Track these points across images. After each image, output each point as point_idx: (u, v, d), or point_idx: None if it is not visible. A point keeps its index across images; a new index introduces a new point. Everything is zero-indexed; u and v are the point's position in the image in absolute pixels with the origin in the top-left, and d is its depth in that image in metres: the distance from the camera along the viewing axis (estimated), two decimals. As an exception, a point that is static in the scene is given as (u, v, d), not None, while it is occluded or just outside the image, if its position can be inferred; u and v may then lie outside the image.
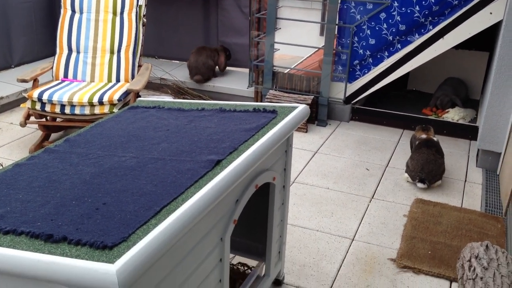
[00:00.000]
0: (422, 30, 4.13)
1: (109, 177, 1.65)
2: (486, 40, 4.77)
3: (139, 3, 4.12)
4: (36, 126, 4.03)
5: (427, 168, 3.41)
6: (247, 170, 1.74)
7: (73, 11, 4.12)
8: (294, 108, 2.23)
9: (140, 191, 1.55)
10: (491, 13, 3.87)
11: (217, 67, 5.24)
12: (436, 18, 4.05)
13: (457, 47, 4.47)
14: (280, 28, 4.66)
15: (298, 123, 2.17)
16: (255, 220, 2.36)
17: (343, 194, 3.40)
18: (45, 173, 1.68)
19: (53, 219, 1.40)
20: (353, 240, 2.91)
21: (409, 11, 4.06)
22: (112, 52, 4.07)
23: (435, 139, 3.63)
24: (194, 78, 5.07)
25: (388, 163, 3.85)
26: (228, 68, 5.37)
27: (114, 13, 4.11)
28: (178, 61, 5.74)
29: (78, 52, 4.08)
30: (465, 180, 3.62)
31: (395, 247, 2.85)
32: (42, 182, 1.62)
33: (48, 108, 3.65)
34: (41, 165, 1.74)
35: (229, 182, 1.64)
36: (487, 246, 2.39)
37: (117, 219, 1.39)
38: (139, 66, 4.14)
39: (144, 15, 4.17)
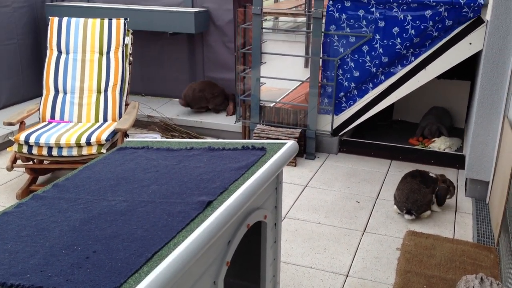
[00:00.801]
0: (405, 62, 4.19)
1: (98, 223, 1.62)
2: (467, 69, 4.86)
3: (125, 42, 4.15)
4: (23, 169, 3.99)
5: (412, 198, 3.41)
6: (238, 210, 1.72)
7: (59, 52, 4.13)
8: (283, 144, 2.23)
9: (131, 237, 1.53)
10: (470, 43, 3.95)
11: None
12: (417, 49, 4.12)
13: (439, 77, 4.55)
14: (265, 62, 4.71)
15: (288, 159, 2.16)
16: (248, 260, 2.32)
17: (334, 228, 3.38)
18: (33, 221, 1.65)
19: (42, 270, 1.37)
20: (347, 276, 2.88)
21: (390, 43, 4.13)
22: (99, 92, 4.07)
23: (428, 171, 3.61)
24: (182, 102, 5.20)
25: (378, 195, 3.85)
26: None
27: (101, 53, 4.12)
28: (165, 98, 5.75)
29: (65, 92, 4.07)
30: (456, 210, 3.63)
31: (390, 282, 2.83)
32: (30, 231, 1.59)
33: (35, 150, 3.61)
34: (29, 213, 1.71)
35: (221, 223, 1.62)
36: (481, 278, 2.38)
37: (108, 268, 1.37)
38: (126, 104, 4.14)
39: (130, 54, 4.20)
